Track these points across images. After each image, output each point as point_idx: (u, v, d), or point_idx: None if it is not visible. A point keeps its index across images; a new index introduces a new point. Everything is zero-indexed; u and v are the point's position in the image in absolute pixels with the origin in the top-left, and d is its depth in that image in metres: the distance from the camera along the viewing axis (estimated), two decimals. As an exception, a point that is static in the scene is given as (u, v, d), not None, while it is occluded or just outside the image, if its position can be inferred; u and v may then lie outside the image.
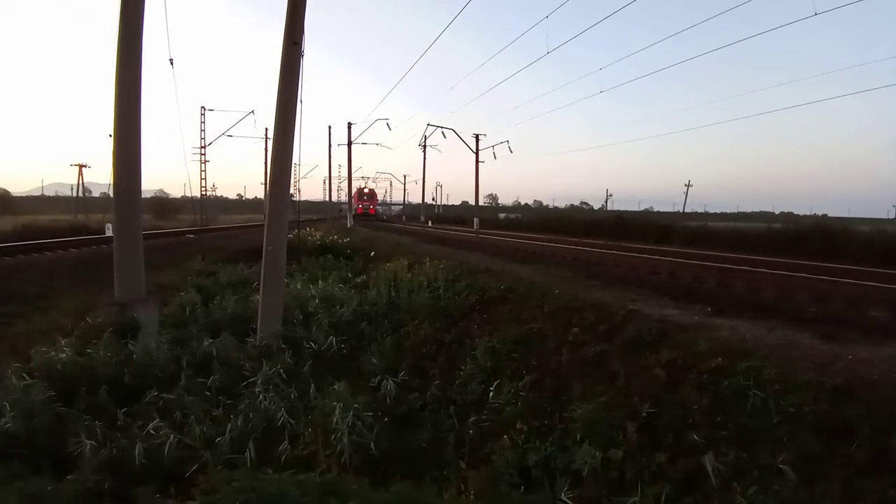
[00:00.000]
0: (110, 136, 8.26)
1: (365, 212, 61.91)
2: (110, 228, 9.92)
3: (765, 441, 2.90)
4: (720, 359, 3.53)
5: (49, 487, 3.81)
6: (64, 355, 6.18)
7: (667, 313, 4.81)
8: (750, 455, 2.90)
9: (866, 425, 2.60)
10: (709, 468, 2.94)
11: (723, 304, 5.19)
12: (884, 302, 5.42)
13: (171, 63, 19.37)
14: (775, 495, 2.64)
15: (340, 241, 19.01)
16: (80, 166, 57.39)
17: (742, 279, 7.37)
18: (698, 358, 3.67)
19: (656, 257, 10.60)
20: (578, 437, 3.74)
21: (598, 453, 3.49)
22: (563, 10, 13.74)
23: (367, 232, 26.58)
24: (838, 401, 2.81)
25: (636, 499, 3.12)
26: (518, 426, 4.32)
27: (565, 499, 3.45)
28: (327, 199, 71.88)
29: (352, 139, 39.30)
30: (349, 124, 38.99)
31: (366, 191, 66.08)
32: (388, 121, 36.24)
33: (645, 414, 3.54)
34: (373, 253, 15.03)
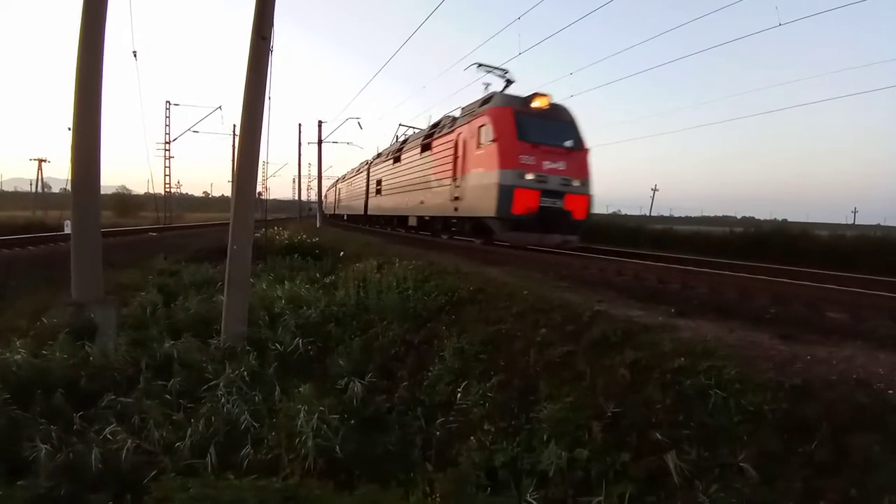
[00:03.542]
0: (69, 129, 8.00)
1: (551, 203, 13.35)
2: (68, 225, 9.59)
3: (726, 440, 2.95)
4: (683, 359, 3.57)
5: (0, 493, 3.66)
6: (19, 357, 5.95)
7: (632, 314, 4.86)
8: (712, 453, 2.94)
9: (825, 425, 2.65)
10: (671, 467, 2.97)
11: (686, 306, 5.28)
12: (841, 304, 5.58)
13: (135, 55, 18.93)
14: (737, 493, 2.68)
15: (309, 240, 18.80)
16: (40, 161, 55.80)
17: (705, 281, 7.50)
18: (662, 358, 3.71)
19: (623, 259, 10.75)
20: (545, 437, 3.75)
21: (564, 453, 3.50)
22: (536, 11, 13.73)
23: (337, 232, 26.32)
24: (798, 400, 2.86)
25: (601, 498, 3.13)
26: (485, 427, 4.32)
27: (531, 499, 3.45)
28: (296, 198, 68.16)
29: (322, 138, 38.85)
30: (319, 122, 38.55)
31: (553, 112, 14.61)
32: (359, 120, 35.83)
33: (610, 413, 3.57)
34: (342, 253, 14.89)
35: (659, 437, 3.19)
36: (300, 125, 42.98)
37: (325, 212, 52.30)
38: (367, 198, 30.69)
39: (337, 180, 51.73)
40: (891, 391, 2.74)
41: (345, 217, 42.20)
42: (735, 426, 2.96)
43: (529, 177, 13.19)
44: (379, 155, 30.20)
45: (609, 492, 3.12)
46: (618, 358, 4.00)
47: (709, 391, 3.18)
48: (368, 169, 31.04)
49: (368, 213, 30.13)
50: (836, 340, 3.77)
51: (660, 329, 4.28)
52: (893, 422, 2.54)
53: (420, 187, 19.51)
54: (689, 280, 7.66)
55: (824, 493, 2.44)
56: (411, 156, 21.60)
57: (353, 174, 38.39)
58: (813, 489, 2.48)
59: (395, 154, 24.60)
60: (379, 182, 27.23)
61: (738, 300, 6.35)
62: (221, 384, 5.66)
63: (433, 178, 18.14)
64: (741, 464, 2.75)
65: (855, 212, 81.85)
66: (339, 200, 45.65)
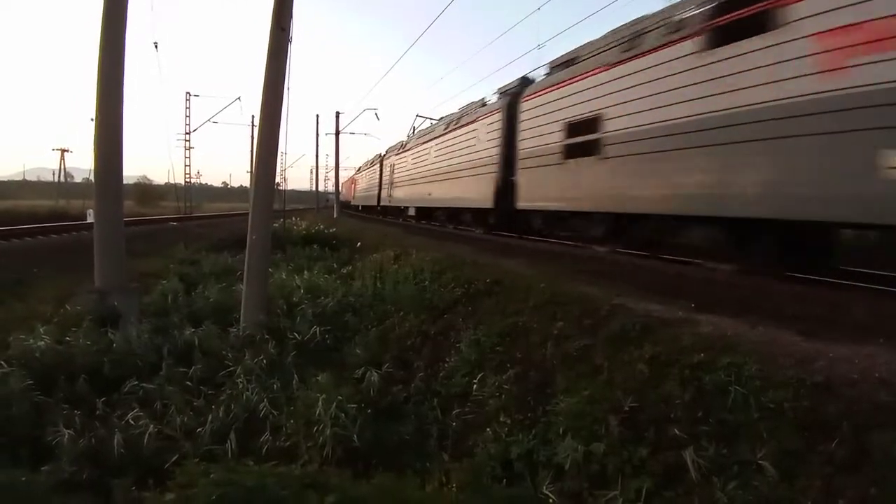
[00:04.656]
0: (92, 120, 8.14)
1: None
2: (91, 214, 9.78)
3: (745, 437, 2.92)
4: (702, 354, 3.54)
5: (23, 478, 3.74)
6: (42, 343, 6.09)
7: (651, 308, 4.82)
8: (730, 450, 2.91)
9: (846, 423, 2.62)
10: (689, 463, 2.95)
11: (706, 300, 5.22)
12: (863, 302, 5.47)
13: (156, 46, 19.17)
14: (755, 491, 2.66)
15: (326, 231, 18.94)
16: (63, 151, 56.81)
17: (724, 276, 7.39)
18: (681, 353, 3.68)
19: (641, 253, 10.63)
20: (561, 430, 3.75)
21: (580, 447, 3.49)
22: (555, 2, 13.44)
23: (354, 223, 26.43)
24: (819, 398, 2.83)
25: (617, 492, 3.13)
26: (501, 419, 4.33)
27: (547, 492, 3.46)
28: (314, 188, 67.65)
29: (339, 129, 38.94)
30: (337, 113, 38.67)
31: None
32: (376, 111, 35.54)
33: (627, 408, 3.55)
34: (359, 244, 14.97)
35: (677, 432, 3.17)
36: (317, 116, 43.12)
37: (355, 203, 46.67)
38: (497, 177, 14.49)
39: (374, 160, 37.19)
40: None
41: (408, 212, 25.98)
42: (755, 423, 2.93)
43: None
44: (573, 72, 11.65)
45: (626, 486, 3.11)
46: (636, 352, 3.97)
47: (728, 387, 3.15)
48: (507, 110, 14.42)
49: (520, 205, 13.47)
50: (859, 338, 3.70)
51: (679, 324, 4.24)
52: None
53: None
54: (708, 275, 7.52)
55: (844, 492, 2.41)
56: None
57: (425, 140, 22.87)
58: (832, 487, 2.46)
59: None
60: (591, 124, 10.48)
61: (760, 296, 6.23)
62: (241, 371, 5.75)
63: None
64: (760, 461, 2.72)
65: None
66: (392, 185, 28.88)
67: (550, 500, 3.40)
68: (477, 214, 16.86)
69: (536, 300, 5.77)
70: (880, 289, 6.03)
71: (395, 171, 28.28)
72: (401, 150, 28.10)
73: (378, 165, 34.28)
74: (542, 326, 5.18)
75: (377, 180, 33.98)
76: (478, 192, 15.78)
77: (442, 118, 23.43)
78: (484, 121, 16.19)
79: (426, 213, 23.36)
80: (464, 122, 18.13)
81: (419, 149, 23.82)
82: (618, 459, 3.29)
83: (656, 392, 3.54)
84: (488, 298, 6.55)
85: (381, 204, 32.25)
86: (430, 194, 21.26)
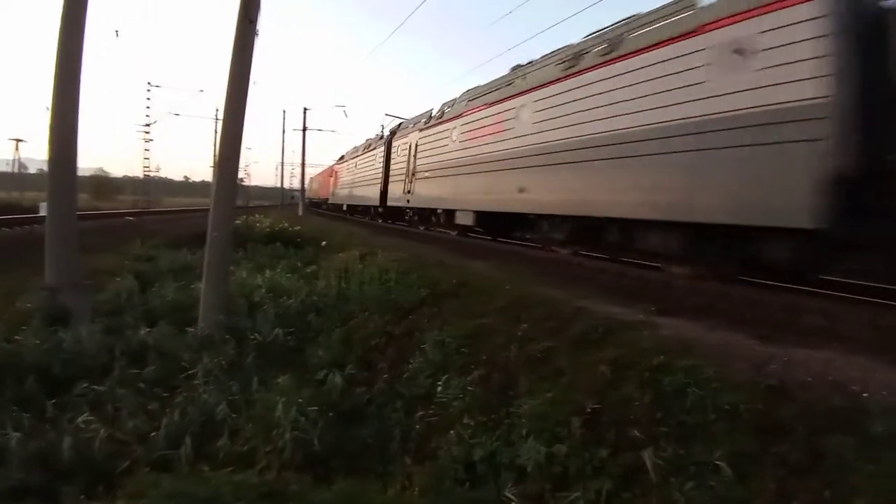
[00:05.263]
0: (48, 108, 7.84)
1: None
2: (44, 208, 9.42)
3: (702, 438, 2.97)
4: (662, 357, 3.59)
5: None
6: (-9, 341, 5.83)
7: (613, 311, 4.88)
8: (687, 451, 2.96)
9: (800, 426, 2.68)
10: (648, 464, 2.99)
11: (667, 304, 5.31)
12: (819, 308, 5.63)
13: (117, 34, 18.61)
14: (711, 491, 2.70)
15: (291, 229, 18.68)
16: (17, 141, 54.68)
17: (686, 280, 7.53)
18: (641, 355, 3.73)
19: (606, 257, 10.76)
20: (524, 432, 3.75)
21: (542, 448, 3.51)
22: (528, 6, 13.38)
23: (320, 221, 26.12)
24: (773, 401, 2.89)
25: (578, 494, 3.15)
26: (465, 421, 4.31)
27: (509, 495, 3.46)
28: (279, 185, 66.12)
29: (307, 125, 38.48)
30: (304, 109, 38.20)
31: None
32: (344, 108, 35.26)
33: (589, 410, 3.58)
34: (324, 243, 14.80)
35: (636, 433, 3.21)
36: (284, 112, 42.62)
37: (334, 202, 36.94)
38: (838, 150, 5.40)
39: (373, 142, 26.90)
40: (865, 394, 2.78)
41: (455, 219, 15.17)
42: (711, 424, 2.99)
43: None
44: None
45: (587, 487, 3.13)
46: (598, 355, 4.02)
47: (686, 389, 3.20)
48: None
49: None
50: (814, 342, 3.81)
51: (640, 326, 4.31)
52: (867, 424, 2.58)
53: None
54: (669, 279, 7.65)
55: (798, 494, 2.46)
56: None
57: (495, 100, 13.17)
58: (787, 489, 2.51)
59: None
60: None
61: (719, 300, 6.36)
62: (198, 373, 5.60)
63: None
64: (716, 462, 2.77)
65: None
66: (413, 176, 18.64)
67: (513, 503, 3.40)
68: (706, 238, 7.49)
69: (501, 302, 5.78)
70: (840, 295, 6.23)
71: (421, 156, 18.03)
72: (430, 124, 17.90)
73: (382, 149, 23.51)
74: (506, 328, 5.18)
75: (379, 171, 23.29)
76: (722, 187, 6.81)
77: (517, 67, 13.40)
78: (753, 24, 6.44)
79: (503, 224, 13.58)
80: (637, 48, 8.41)
81: (477, 116, 13.99)
82: (579, 461, 3.32)
83: (617, 394, 3.58)
84: (454, 300, 6.54)
85: (390, 203, 21.75)
86: (521, 191, 11.44)
